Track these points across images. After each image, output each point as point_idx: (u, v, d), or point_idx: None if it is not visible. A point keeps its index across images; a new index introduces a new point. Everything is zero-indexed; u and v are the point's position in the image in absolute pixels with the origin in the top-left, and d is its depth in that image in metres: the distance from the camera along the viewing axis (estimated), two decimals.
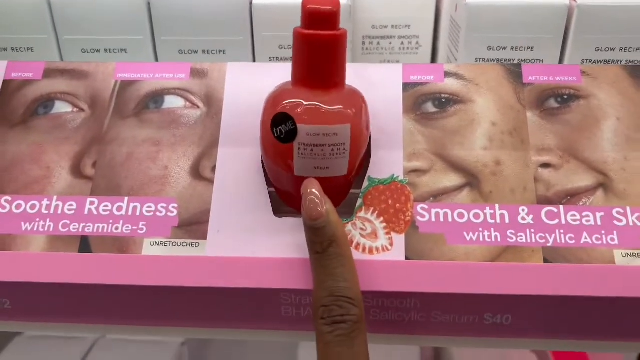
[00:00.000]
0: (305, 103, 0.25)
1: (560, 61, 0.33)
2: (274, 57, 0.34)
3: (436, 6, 0.38)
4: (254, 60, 0.34)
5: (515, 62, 0.33)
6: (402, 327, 0.29)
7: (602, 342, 0.28)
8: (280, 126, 0.25)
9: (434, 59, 0.39)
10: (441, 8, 0.38)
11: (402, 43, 0.38)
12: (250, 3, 0.33)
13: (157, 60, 0.34)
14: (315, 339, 0.25)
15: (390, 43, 0.38)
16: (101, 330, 0.30)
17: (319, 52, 0.25)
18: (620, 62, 0.32)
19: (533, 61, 0.33)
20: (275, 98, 0.26)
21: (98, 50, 0.34)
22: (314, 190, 0.25)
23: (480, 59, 0.33)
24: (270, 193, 0.29)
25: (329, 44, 0.25)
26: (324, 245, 0.25)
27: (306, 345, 0.52)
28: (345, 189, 0.28)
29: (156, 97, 0.31)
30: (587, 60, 0.32)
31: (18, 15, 0.34)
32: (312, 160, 0.25)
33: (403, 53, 0.39)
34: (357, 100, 0.27)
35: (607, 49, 0.32)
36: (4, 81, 0.32)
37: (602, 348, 0.29)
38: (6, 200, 0.29)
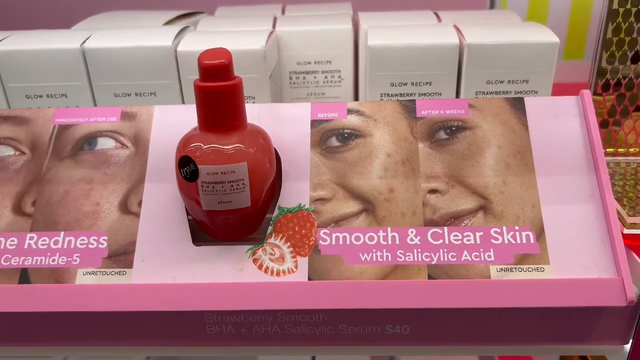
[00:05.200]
0: (204, 146, 0.29)
1: (457, 93, 0.37)
2: None
3: (355, 42, 0.41)
4: (183, 100, 0.37)
5: (416, 95, 0.37)
6: (314, 339, 0.32)
7: (493, 346, 0.32)
8: (185, 167, 0.29)
9: (356, 90, 0.43)
10: (359, 44, 0.41)
11: (326, 77, 0.42)
12: (175, 50, 0.36)
13: (95, 102, 0.38)
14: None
15: (315, 77, 0.42)
16: (41, 352, 0.33)
17: (216, 101, 0.28)
18: (509, 93, 0.36)
19: (432, 94, 0.36)
20: (183, 142, 0.30)
21: (41, 96, 0.37)
22: None
23: (384, 94, 0.36)
24: (189, 221, 0.32)
25: (223, 93, 0.28)
26: None
27: None
28: (255, 218, 0.32)
29: (90, 139, 0.34)
30: (480, 92, 0.36)
31: None
32: (215, 195, 0.29)
33: (328, 86, 0.42)
34: (257, 139, 0.30)
35: (496, 82, 0.36)
36: None
37: (493, 352, 0.32)
38: None
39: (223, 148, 0.29)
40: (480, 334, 0.32)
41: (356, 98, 0.43)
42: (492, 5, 0.59)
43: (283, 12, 0.48)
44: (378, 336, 0.32)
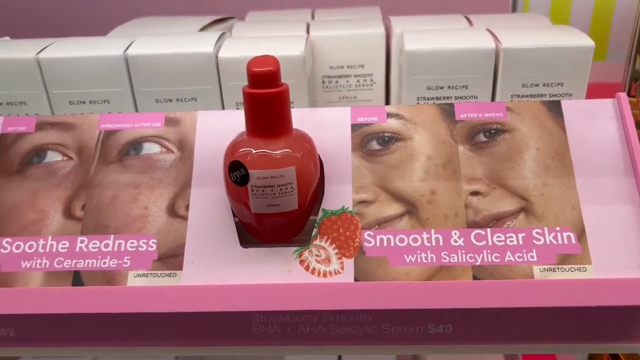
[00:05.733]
0: (254, 151, 0.29)
1: (493, 96, 0.37)
2: (240, 102, 0.38)
3: (386, 46, 0.42)
4: (223, 106, 0.38)
5: (453, 99, 0.37)
6: (358, 338, 0.33)
7: (530, 345, 0.33)
8: (235, 172, 0.29)
9: (387, 93, 0.44)
10: (391, 48, 0.42)
11: (358, 81, 0.43)
12: (217, 56, 0.37)
13: (136, 108, 0.38)
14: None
15: (347, 81, 0.43)
16: (95, 353, 0.34)
17: (264, 107, 0.29)
18: (544, 96, 0.37)
19: (468, 98, 0.37)
20: (232, 147, 0.30)
21: (84, 102, 0.38)
22: None
23: (421, 97, 0.37)
24: (236, 223, 0.33)
25: (271, 100, 0.29)
26: None
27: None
28: (301, 220, 0.32)
29: (135, 145, 0.35)
30: (515, 95, 0.37)
31: (11, 74, 0.38)
32: (264, 199, 0.30)
33: (359, 89, 0.43)
34: (303, 144, 0.31)
35: (532, 85, 0.36)
36: (1, 135, 0.36)
37: (531, 350, 0.33)
38: (7, 242, 0.33)
39: (272, 153, 0.30)
40: (518, 333, 0.32)
41: (387, 101, 0.44)
42: (514, 6, 0.60)
43: (313, 17, 0.48)
44: (421, 336, 0.33)
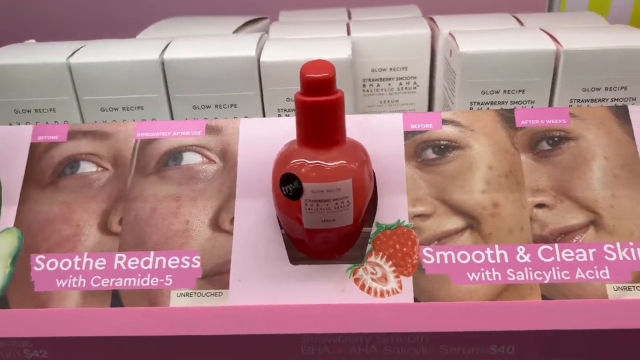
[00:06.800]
0: (308, 162, 0.27)
1: (550, 101, 0.35)
2: (281, 109, 0.36)
3: (431, 47, 0.40)
4: (264, 112, 0.36)
5: (508, 103, 0.35)
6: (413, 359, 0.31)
7: None
8: (287, 185, 0.27)
9: (431, 96, 0.42)
10: (436, 48, 0.40)
11: (401, 84, 0.41)
12: (258, 60, 0.35)
13: (172, 114, 0.36)
14: None
15: (389, 84, 0.41)
16: None
17: (319, 116, 0.27)
18: (606, 100, 0.34)
19: (525, 102, 0.35)
20: (282, 158, 0.28)
21: (116, 109, 0.36)
22: None
23: (474, 102, 0.35)
24: (282, 235, 0.31)
25: (327, 108, 0.27)
26: None
27: None
28: (353, 236, 0.30)
29: (175, 154, 0.33)
30: (575, 99, 0.35)
31: (41, 80, 0.36)
32: (319, 214, 0.28)
33: (402, 92, 0.41)
34: (358, 154, 0.29)
35: (593, 89, 0.34)
36: (32, 144, 0.34)
37: None
38: (40, 259, 0.31)
39: (328, 164, 0.28)
40: (583, 352, 0.30)
41: (430, 105, 0.42)
42: (550, 3, 0.57)
43: (349, 16, 0.46)
44: (481, 356, 0.31)
